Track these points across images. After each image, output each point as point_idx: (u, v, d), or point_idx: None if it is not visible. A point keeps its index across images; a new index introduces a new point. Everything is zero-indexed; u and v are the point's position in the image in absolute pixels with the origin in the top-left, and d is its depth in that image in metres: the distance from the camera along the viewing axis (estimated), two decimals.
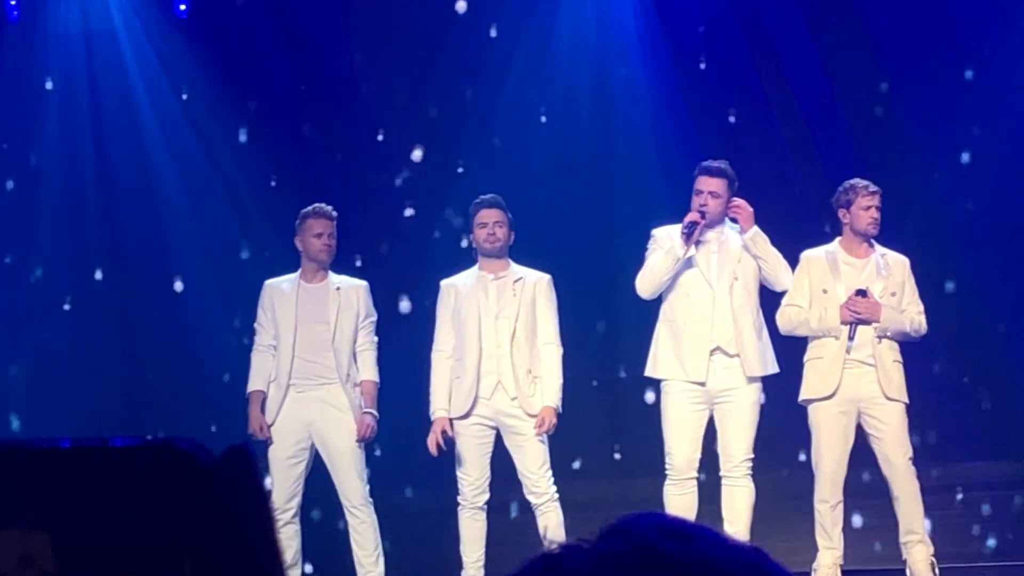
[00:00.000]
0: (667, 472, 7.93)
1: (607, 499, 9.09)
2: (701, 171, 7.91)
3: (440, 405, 8.02)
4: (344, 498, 8.09)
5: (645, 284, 7.92)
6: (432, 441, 7.97)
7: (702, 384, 7.81)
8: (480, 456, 8.02)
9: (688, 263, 7.86)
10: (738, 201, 7.84)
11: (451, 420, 8.01)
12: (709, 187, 7.85)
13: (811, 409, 7.87)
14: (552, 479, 8.00)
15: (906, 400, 7.84)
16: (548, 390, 7.94)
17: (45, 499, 1.21)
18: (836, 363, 7.79)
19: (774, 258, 7.87)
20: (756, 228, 7.84)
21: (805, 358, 7.93)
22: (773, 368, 7.90)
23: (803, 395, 7.88)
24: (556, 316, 8.08)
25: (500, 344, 7.96)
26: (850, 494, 7.89)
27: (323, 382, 8.10)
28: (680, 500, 7.83)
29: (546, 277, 8.14)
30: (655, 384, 8.06)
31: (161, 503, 1.22)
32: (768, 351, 7.89)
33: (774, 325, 7.95)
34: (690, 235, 7.78)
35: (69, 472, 1.23)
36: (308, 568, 8.23)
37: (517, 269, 8.14)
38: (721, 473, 7.91)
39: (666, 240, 7.90)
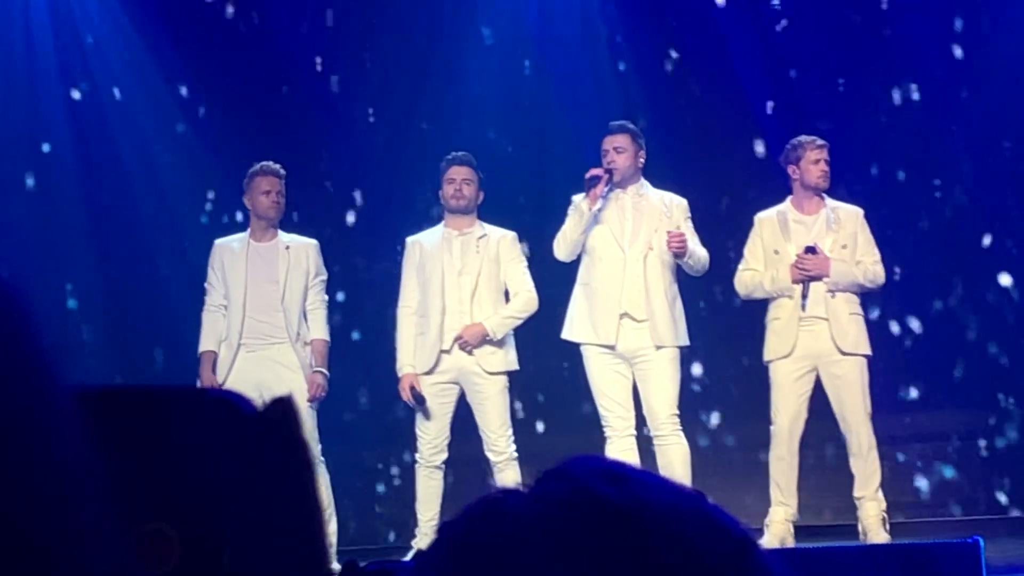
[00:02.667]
0: (605, 433, 7.95)
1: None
2: (605, 133, 8.00)
3: (406, 361, 8.07)
4: None
5: (559, 245, 7.98)
6: (405, 397, 8.04)
7: (612, 348, 7.86)
8: (440, 415, 8.04)
9: (602, 227, 7.89)
10: (672, 235, 7.76)
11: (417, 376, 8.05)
12: (613, 144, 7.94)
13: (771, 368, 7.92)
14: (512, 438, 8.01)
15: (866, 352, 7.85)
16: (495, 316, 7.97)
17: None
18: (792, 322, 7.82)
19: (700, 264, 7.89)
20: (689, 248, 7.81)
21: (766, 319, 7.98)
22: (684, 340, 7.93)
23: (766, 356, 7.95)
24: (526, 267, 8.12)
25: (462, 301, 8.00)
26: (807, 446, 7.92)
27: (273, 341, 8.09)
28: (621, 459, 7.82)
29: (510, 234, 8.18)
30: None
31: (200, 450, 1.18)
32: (681, 323, 7.92)
33: (690, 298, 8.00)
34: (592, 188, 7.81)
35: (102, 417, 1.16)
36: None
37: (482, 227, 8.15)
38: (652, 434, 7.93)
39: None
